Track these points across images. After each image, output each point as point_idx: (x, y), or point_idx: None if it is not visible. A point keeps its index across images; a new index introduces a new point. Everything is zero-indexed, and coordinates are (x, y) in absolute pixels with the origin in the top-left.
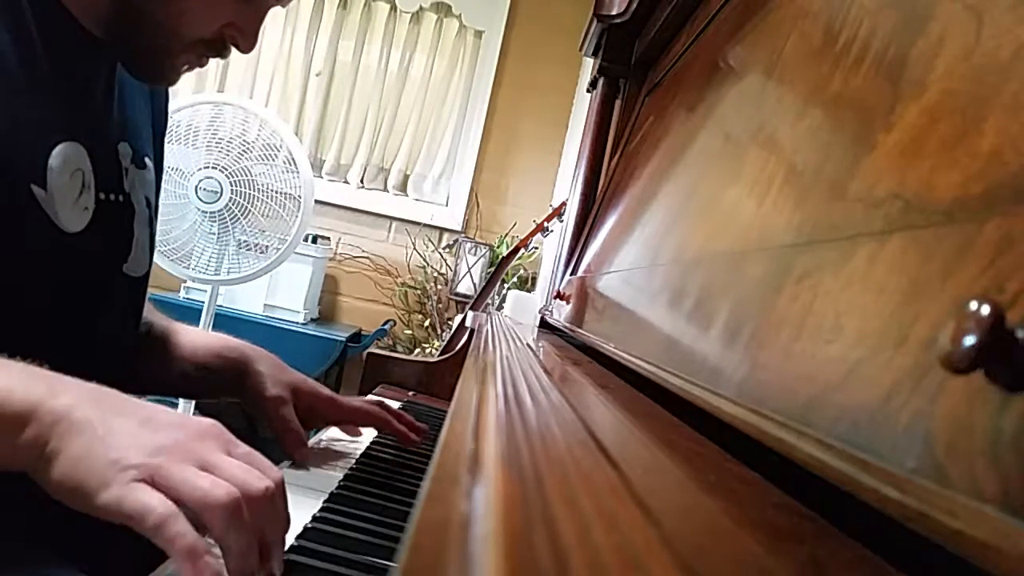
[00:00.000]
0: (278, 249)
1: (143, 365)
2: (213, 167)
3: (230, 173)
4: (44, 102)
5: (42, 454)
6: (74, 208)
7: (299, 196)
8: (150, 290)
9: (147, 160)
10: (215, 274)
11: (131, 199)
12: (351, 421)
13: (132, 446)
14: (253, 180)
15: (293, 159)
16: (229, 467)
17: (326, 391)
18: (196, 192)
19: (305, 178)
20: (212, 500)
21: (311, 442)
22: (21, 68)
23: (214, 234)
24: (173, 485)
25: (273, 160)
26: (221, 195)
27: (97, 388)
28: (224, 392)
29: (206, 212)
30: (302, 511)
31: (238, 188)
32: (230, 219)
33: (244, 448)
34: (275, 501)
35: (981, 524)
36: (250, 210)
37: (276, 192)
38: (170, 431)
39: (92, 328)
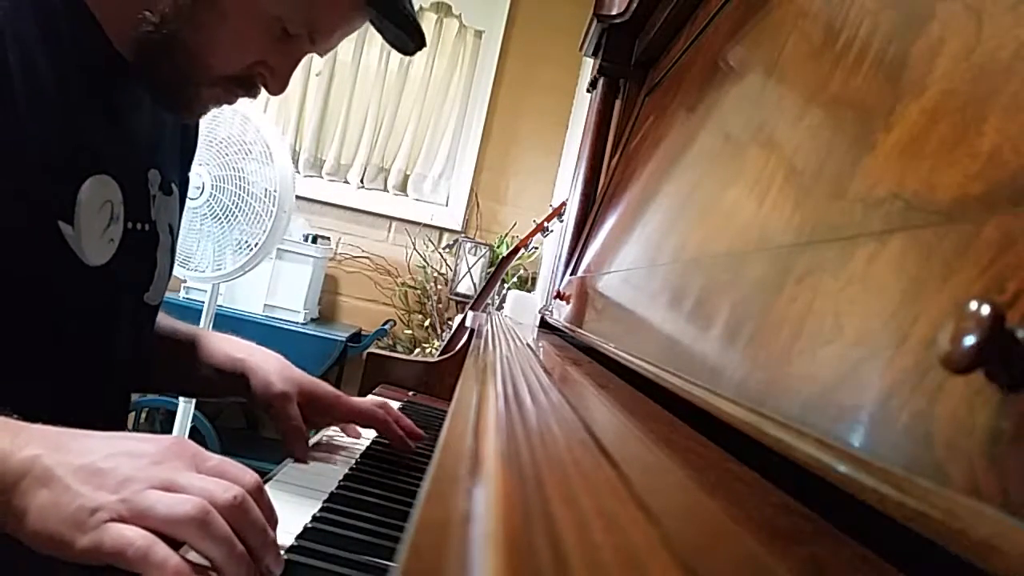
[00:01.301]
0: (256, 246)
1: (168, 370)
2: (197, 163)
3: (211, 168)
4: (80, 133)
5: (10, 511)
6: (100, 241)
7: (275, 191)
8: None
9: (173, 186)
10: (203, 271)
11: (156, 227)
12: (352, 420)
13: (98, 487)
14: (232, 175)
15: (270, 153)
16: (194, 483)
17: (331, 390)
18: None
19: (281, 173)
20: (179, 515)
21: (312, 440)
22: (61, 97)
23: (200, 230)
24: (142, 513)
25: (254, 156)
26: (203, 191)
27: (60, 432)
28: (231, 392)
29: (188, 208)
30: (302, 511)
31: (219, 184)
32: (211, 216)
33: (214, 460)
34: (247, 507)
35: (981, 524)
36: (229, 206)
37: (255, 187)
38: (133, 461)
39: (108, 354)
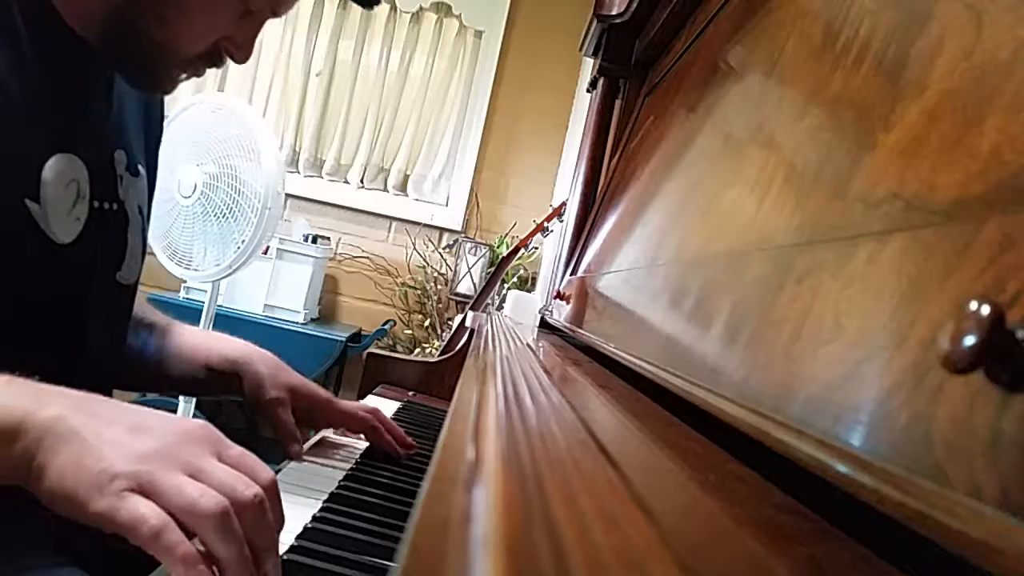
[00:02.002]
0: (243, 243)
1: (142, 365)
2: (195, 164)
3: (204, 166)
4: (39, 113)
5: (31, 468)
6: (67, 219)
7: (262, 188)
8: (151, 290)
9: (140, 167)
10: (200, 270)
11: (125, 207)
12: (344, 425)
13: (121, 454)
14: (223, 173)
15: (258, 150)
16: (218, 473)
17: (324, 393)
18: (178, 186)
19: (268, 170)
20: (201, 511)
21: (312, 441)
22: (16, 79)
23: (192, 228)
24: (162, 493)
25: (244, 154)
26: (195, 189)
27: (85, 396)
28: (224, 392)
29: (182, 206)
30: (302, 511)
31: (210, 182)
32: (201, 214)
33: (236, 450)
34: (264, 508)
35: (981, 524)
36: (219, 204)
37: (245, 186)
38: (159, 437)
39: (83, 336)
